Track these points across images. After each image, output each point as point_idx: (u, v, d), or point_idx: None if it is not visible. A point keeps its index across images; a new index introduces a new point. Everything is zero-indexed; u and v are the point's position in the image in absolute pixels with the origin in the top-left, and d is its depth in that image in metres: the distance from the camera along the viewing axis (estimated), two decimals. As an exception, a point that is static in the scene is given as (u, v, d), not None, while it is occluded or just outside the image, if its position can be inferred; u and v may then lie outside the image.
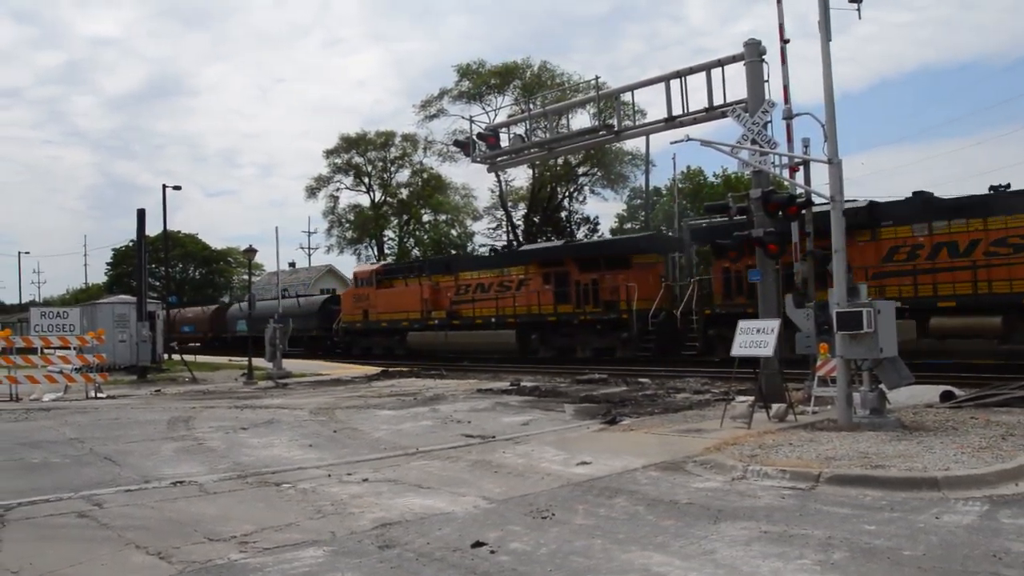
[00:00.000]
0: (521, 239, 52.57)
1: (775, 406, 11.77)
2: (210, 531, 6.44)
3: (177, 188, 40.37)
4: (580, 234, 51.95)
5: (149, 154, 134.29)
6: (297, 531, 6.42)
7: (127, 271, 67.99)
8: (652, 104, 59.36)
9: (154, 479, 8.67)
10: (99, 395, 18.54)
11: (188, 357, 30.73)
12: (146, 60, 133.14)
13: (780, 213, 13.29)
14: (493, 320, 29.64)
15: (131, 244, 56.48)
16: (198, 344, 49.74)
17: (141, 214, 28.61)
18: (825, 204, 11.71)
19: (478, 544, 5.87)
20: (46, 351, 19.65)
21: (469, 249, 58.37)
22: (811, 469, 7.93)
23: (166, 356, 31.54)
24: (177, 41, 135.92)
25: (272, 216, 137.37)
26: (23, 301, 77.30)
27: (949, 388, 13.68)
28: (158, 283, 52.83)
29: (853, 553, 5.49)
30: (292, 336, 39.76)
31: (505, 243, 54.61)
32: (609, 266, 26.74)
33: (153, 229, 52.36)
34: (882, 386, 10.72)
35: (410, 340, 32.94)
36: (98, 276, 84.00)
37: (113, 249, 76.53)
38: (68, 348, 19.39)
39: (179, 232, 74.32)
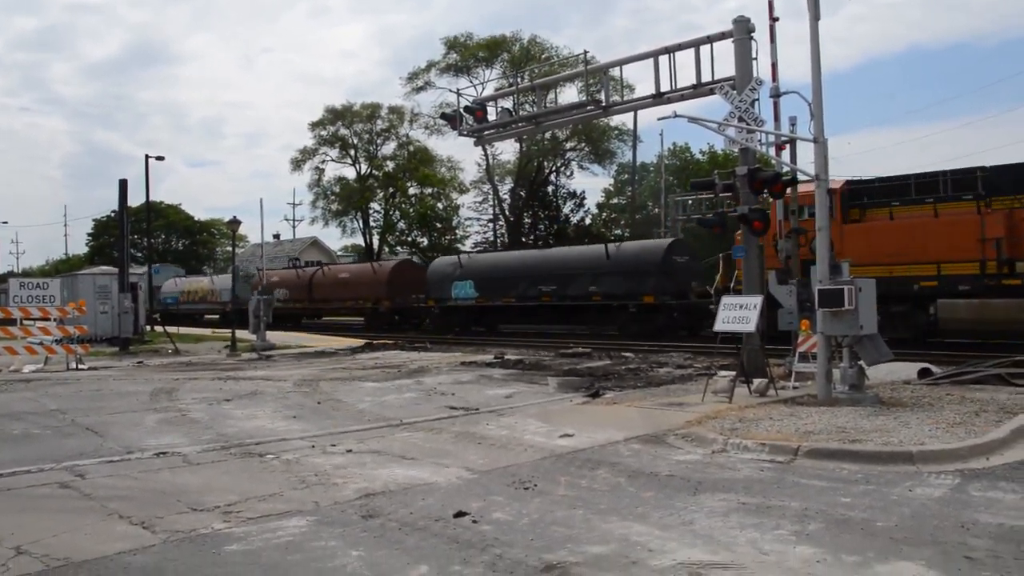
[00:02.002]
0: (507, 213, 52.52)
1: (756, 381, 11.91)
2: (194, 501, 6.46)
3: (160, 158, 39.18)
4: (566, 209, 51.94)
5: (131, 123, 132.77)
6: (281, 501, 6.47)
7: (108, 242, 67.40)
8: (640, 80, 58.71)
9: (137, 450, 8.67)
10: (80, 366, 18.45)
11: (171, 329, 30.57)
12: (127, 27, 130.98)
13: (766, 191, 13.37)
14: None
15: (113, 214, 55.84)
16: (361, 320, 35.10)
17: (123, 184, 28.26)
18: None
19: (460, 514, 5.94)
20: (26, 322, 19.50)
21: (454, 224, 58.21)
22: (790, 443, 8.05)
23: (148, 328, 31.39)
24: (160, 8, 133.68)
25: (256, 187, 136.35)
26: (1, 272, 76.62)
27: (927, 365, 13.88)
28: (140, 254, 52.38)
29: (828, 524, 5.60)
30: (599, 306, 26.90)
31: (491, 217, 54.58)
32: None
33: (135, 199, 51.26)
34: (861, 362, 10.86)
35: (947, 312, 18.15)
36: (79, 247, 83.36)
37: (94, 219, 75.97)
38: (48, 319, 19.25)
39: (161, 203, 73.70)
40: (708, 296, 22.69)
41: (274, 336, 26.51)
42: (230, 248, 42.18)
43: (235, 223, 28.90)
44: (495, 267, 31.88)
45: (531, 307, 29.90)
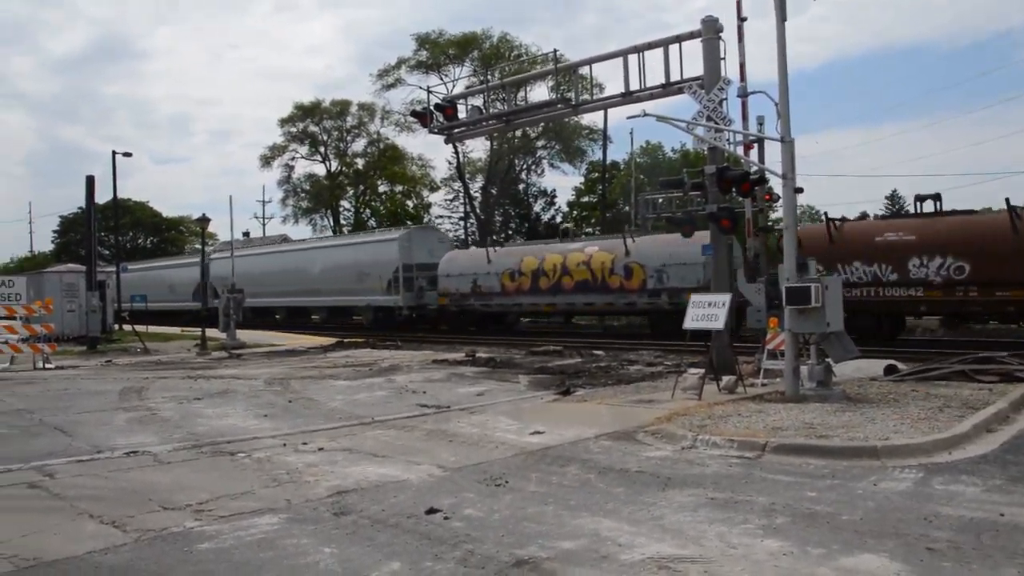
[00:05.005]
0: (478, 211, 52.51)
1: (725, 378, 12.06)
2: (165, 500, 6.43)
3: (127, 155, 38.43)
4: (537, 207, 52.08)
5: (96, 119, 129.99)
6: (252, 499, 6.45)
7: (75, 239, 66.19)
8: (610, 78, 59.49)
9: (107, 449, 8.59)
10: (47, 366, 18.17)
11: (139, 327, 30.14)
12: (91, 20, 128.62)
13: (734, 190, 13.53)
14: None
15: (79, 211, 54.89)
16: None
17: (90, 181, 27.84)
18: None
19: (432, 511, 5.97)
20: (-10, 320, 19.11)
21: (425, 221, 58.09)
22: (758, 439, 8.18)
23: (116, 326, 30.96)
24: (124, 2, 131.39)
25: (226, 184, 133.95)
26: (-35, 269, 74.83)
27: (893, 362, 14.15)
28: (107, 252, 51.54)
29: (794, 518, 5.72)
30: None
31: (462, 215, 54.55)
32: None
33: (102, 196, 49.54)
34: (829, 359, 11.05)
35: None
36: (44, 244, 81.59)
37: (60, 216, 74.47)
38: (14, 318, 18.91)
39: (129, 200, 72.46)
40: None
41: (245, 335, 26.27)
42: (199, 246, 41.24)
43: (204, 220, 28.65)
44: None
45: None
